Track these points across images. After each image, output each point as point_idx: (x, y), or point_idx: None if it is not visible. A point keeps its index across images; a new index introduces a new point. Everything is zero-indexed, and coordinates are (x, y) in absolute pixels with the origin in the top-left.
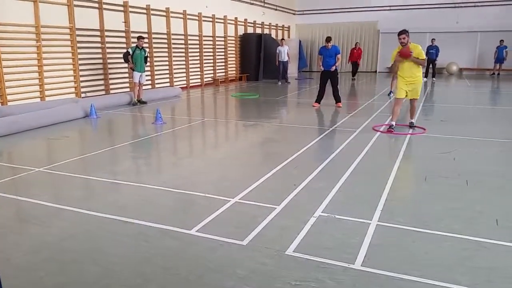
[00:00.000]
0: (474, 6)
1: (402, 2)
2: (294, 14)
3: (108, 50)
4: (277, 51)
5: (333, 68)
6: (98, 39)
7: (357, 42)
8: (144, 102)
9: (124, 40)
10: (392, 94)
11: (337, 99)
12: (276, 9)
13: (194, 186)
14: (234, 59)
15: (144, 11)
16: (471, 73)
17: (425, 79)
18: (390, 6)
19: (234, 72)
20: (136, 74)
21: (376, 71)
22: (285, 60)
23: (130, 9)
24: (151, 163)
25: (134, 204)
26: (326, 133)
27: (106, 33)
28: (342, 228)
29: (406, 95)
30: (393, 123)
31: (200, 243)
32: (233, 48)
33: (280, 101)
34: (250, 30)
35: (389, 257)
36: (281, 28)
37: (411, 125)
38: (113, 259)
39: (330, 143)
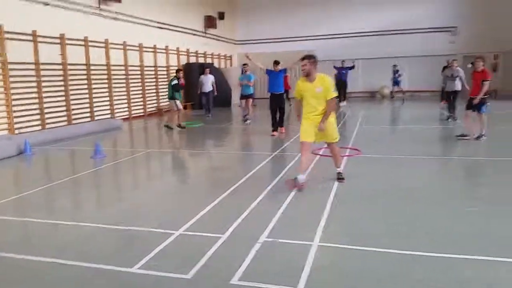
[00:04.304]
0: (402, 33)
1: (336, 31)
2: (235, 44)
3: (44, 84)
4: (200, 81)
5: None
6: (33, 72)
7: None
8: (184, 127)
9: (61, 73)
10: (450, 119)
11: (281, 124)
12: (217, 40)
13: (137, 221)
14: None
15: (82, 43)
16: (401, 95)
17: (343, 103)
18: (325, 35)
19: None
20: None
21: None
22: (207, 91)
23: (67, 42)
24: (90, 200)
25: (72, 244)
26: (269, 158)
27: (42, 66)
28: (286, 252)
29: (315, 139)
30: (300, 176)
31: (142, 281)
32: None
33: (224, 128)
34: (192, 59)
35: (331, 278)
36: (223, 57)
37: (340, 177)
38: None
39: (273, 168)
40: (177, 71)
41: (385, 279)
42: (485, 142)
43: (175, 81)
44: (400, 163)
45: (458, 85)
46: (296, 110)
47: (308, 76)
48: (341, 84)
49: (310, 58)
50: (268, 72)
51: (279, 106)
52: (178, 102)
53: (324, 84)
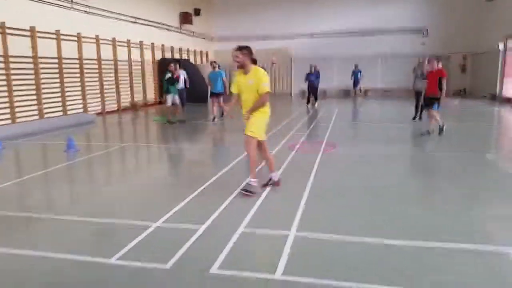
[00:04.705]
0: (375, 34)
1: (312, 31)
2: (211, 40)
3: (13, 77)
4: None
5: None
6: (2, 65)
7: None
8: (173, 122)
9: (31, 66)
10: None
11: None
12: (193, 36)
13: (114, 213)
14: (152, 83)
15: (54, 36)
16: (376, 93)
17: (316, 105)
18: (301, 34)
19: (153, 96)
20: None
21: (291, 94)
22: (180, 88)
23: (38, 34)
24: (65, 193)
25: (48, 238)
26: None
27: (11, 59)
28: (264, 241)
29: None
30: (252, 180)
31: (121, 271)
32: (151, 73)
33: (201, 124)
34: (168, 55)
35: (308, 265)
36: (199, 53)
37: (246, 189)
38: None
39: None
40: (169, 64)
41: (361, 267)
42: (454, 137)
43: (169, 75)
44: (373, 159)
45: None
46: (231, 104)
47: (242, 68)
48: (310, 89)
49: (242, 49)
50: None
51: None
52: (169, 96)
53: (256, 76)
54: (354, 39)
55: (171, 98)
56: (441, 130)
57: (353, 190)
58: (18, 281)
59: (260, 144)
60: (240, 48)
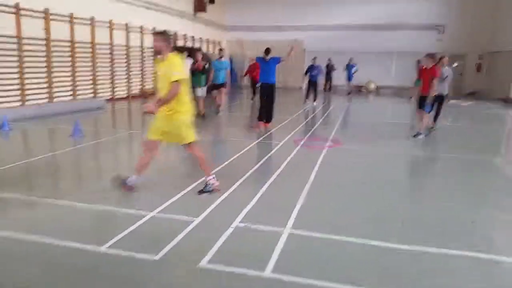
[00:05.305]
0: (389, 29)
1: (326, 23)
2: (224, 29)
3: (26, 59)
4: None
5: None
6: (15, 46)
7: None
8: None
9: (44, 48)
10: (421, 136)
11: (269, 118)
12: (206, 24)
13: (111, 201)
14: None
15: (68, 19)
16: (389, 90)
17: (314, 103)
18: (315, 26)
19: None
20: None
21: (302, 87)
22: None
23: (51, 17)
24: (65, 178)
25: (44, 222)
26: (251, 146)
27: (24, 41)
28: (257, 237)
29: (162, 138)
30: (131, 178)
31: (110, 260)
32: None
33: (208, 114)
34: (180, 43)
35: (298, 263)
36: (212, 42)
37: (204, 189)
38: (19, 281)
39: (254, 155)
40: (194, 52)
41: (354, 268)
42: (459, 139)
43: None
44: (376, 156)
45: (445, 87)
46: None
47: (160, 54)
48: (311, 84)
49: (158, 34)
50: (259, 60)
51: (268, 97)
52: (199, 90)
53: (169, 63)
54: (368, 33)
55: (201, 91)
56: (418, 133)
57: (355, 187)
58: (9, 264)
59: (154, 143)
60: (156, 33)
